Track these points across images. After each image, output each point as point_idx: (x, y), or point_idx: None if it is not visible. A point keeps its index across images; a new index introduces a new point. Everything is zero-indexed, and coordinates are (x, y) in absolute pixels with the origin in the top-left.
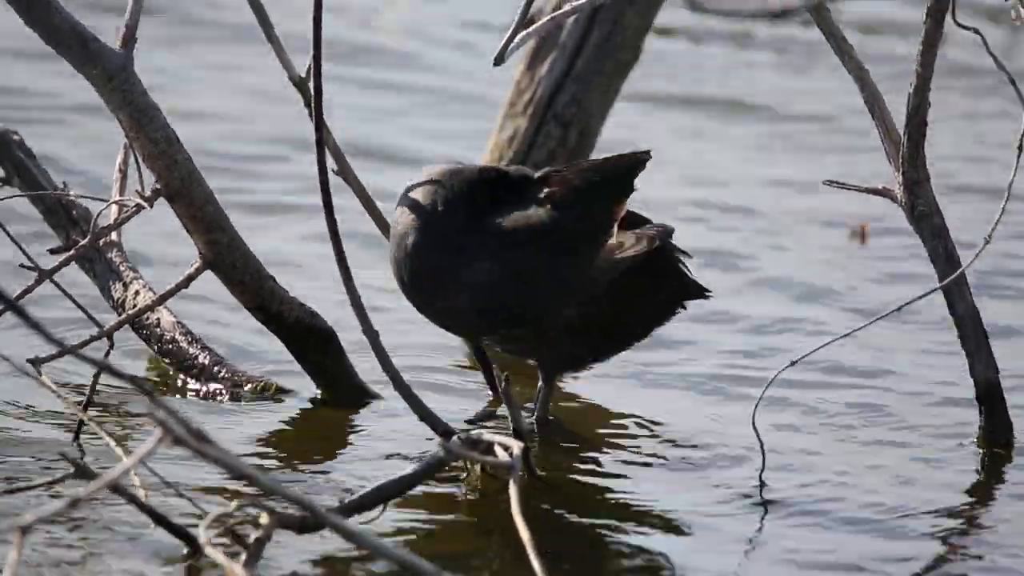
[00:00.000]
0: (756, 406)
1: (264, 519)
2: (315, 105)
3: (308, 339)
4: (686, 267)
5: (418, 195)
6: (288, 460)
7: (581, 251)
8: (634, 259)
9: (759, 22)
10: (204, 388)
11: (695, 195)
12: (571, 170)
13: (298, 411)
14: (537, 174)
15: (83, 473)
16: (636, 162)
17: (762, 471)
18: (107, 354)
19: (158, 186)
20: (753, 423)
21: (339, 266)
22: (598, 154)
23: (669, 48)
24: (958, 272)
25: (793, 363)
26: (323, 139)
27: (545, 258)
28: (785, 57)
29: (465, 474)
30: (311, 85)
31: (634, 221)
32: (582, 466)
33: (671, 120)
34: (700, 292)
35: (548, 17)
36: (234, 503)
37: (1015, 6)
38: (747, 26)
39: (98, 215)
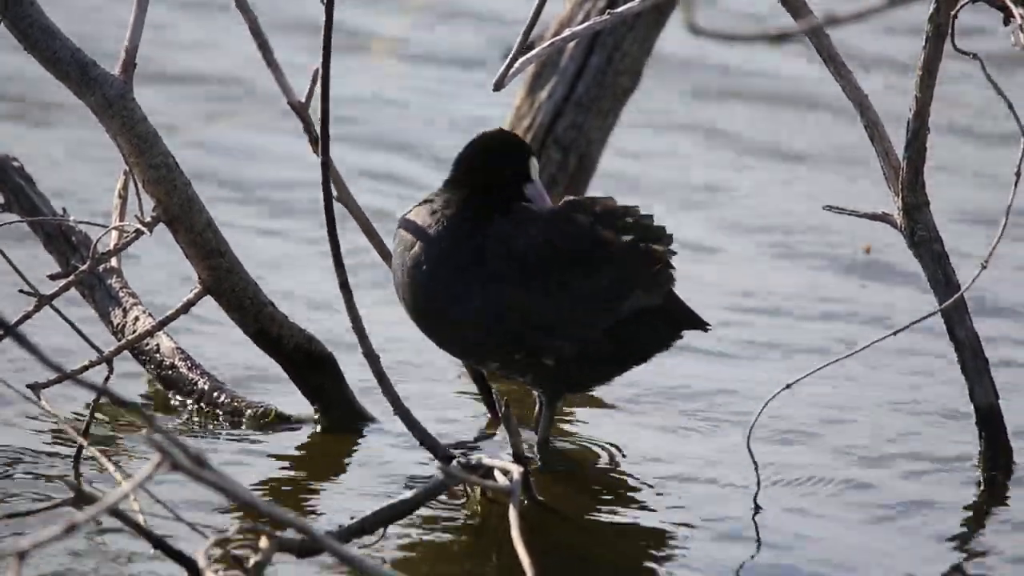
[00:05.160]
0: (751, 428)
1: (263, 543)
2: (322, 129)
3: (307, 364)
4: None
5: (422, 212)
6: (287, 484)
7: (611, 270)
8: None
9: (756, 45)
10: (203, 413)
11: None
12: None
13: (297, 435)
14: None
15: (82, 498)
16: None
17: (757, 493)
18: (106, 379)
19: (156, 212)
20: (748, 446)
21: (342, 291)
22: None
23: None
24: (955, 296)
25: (788, 386)
26: (328, 162)
27: (579, 276)
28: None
29: (465, 499)
30: (318, 107)
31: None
32: (582, 490)
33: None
34: (700, 324)
35: (548, 42)
36: (233, 527)
37: (1015, 30)
38: None
39: (97, 241)
